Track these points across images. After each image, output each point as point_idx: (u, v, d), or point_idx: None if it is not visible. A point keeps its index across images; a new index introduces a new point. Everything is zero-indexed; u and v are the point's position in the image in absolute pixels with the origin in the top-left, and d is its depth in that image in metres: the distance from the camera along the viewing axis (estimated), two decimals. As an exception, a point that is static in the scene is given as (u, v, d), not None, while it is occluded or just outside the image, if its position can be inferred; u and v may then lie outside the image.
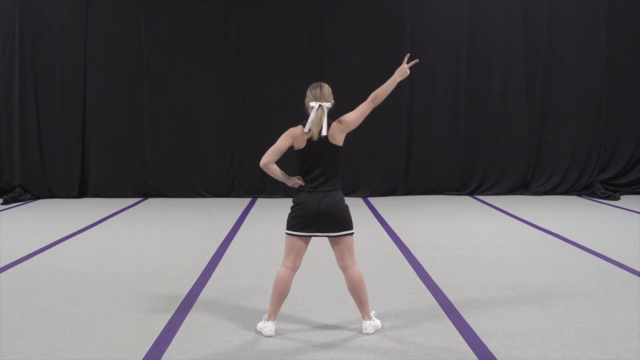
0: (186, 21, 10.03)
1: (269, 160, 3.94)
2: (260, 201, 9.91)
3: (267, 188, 10.26)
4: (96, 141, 10.17)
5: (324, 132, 3.86)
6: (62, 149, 10.11)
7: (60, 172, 10.15)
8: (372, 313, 4.13)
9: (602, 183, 10.37)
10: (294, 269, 4.03)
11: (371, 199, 9.99)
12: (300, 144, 3.93)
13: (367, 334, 4.00)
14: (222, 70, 10.10)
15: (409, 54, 4.23)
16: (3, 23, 9.92)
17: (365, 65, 10.10)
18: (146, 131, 10.14)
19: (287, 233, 3.99)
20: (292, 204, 4.00)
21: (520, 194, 10.44)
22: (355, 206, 9.09)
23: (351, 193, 10.07)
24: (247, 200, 9.94)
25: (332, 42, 10.08)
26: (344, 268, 4.02)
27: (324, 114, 3.88)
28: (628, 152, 10.52)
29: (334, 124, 3.95)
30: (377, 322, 4.10)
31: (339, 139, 3.96)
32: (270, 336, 3.97)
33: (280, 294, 4.01)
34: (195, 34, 10.04)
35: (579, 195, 10.41)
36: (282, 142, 3.94)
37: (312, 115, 3.89)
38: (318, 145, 3.91)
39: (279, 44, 10.04)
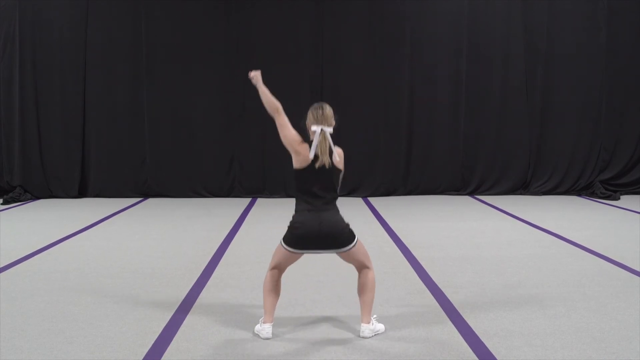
0: (186, 21, 10.03)
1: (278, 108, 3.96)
2: (260, 201, 9.90)
3: (267, 188, 10.26)
4: (96, 141, 10.17)
5: (335, 157, 3.87)
6: (62, 149, 10.11)
7: (60, 172, 10.15)
8: (374, 317, 4.09)
9: (602, 183, 10.36)
10: (281, 271, 4.07)
11: (371, 199, 9.99)
12: (302, 163, 3.88)
13: (364, 337, 3.97)
14: (222, 70, 10.10)
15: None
16: (3, 23, 9.92)
17: (365, 65, 10.09)
18: (146, 131, 10.13)
19: (283, 246, 3.97)
20: (291, 220, 3.92)
21: (520, 194, 10.44)
22: (355, 206, 9.10)
23: (351, 193, 10.07)
24: (247, 200, 9.93)
25: (332, 42, 10.07)
26: (359, 269, 4.05)
27: (326, 140, 3.86)
28: (628, 152, 10.51)
29: (339, 149, 3.95)
30: (379, 327, 4.06)
31: (342, 163, 3.97)
32: (268, 338, 3.96)
33: (273, 295, 4.02)
34: (195, 34, 10.03)
35: (579, 195, 10.40)
36: (293, 133, 3.91)
37: (315, 141, 3.85)
38: (323, 168, 3.88)
39: (279, 44, 10.03)
